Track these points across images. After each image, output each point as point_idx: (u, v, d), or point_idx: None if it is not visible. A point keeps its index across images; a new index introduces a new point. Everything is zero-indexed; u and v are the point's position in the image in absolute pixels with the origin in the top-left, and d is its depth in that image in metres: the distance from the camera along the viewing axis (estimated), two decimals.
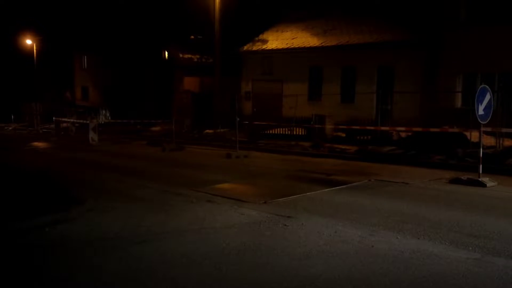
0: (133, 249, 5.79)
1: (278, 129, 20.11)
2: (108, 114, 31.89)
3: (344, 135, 18.28)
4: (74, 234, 6.40)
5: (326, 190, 9.64)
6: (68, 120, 26.50)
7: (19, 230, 6.45)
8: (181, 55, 31.78)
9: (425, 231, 6.46)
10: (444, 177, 10.88)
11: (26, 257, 5.63)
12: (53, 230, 6.53)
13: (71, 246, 5.91)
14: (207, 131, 22.14)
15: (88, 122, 21.66)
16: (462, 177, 10.34)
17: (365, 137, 17.02)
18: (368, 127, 16.74)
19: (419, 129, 15.16)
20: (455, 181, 10.38)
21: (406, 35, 19.75)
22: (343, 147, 16.42)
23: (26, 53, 38.57)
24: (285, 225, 6.82)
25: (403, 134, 16.19)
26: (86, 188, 9.83)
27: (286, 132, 19.73)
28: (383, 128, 15.77)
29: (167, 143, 18.42)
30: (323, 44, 22.79)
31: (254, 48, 25.58)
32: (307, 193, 9.21)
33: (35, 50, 37.40)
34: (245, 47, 25.88)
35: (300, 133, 19.38)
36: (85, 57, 38.56)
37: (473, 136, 13.45)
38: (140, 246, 5.89)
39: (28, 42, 37.72)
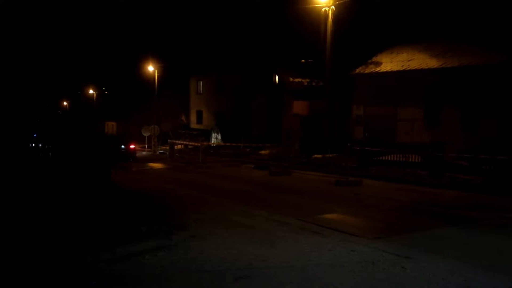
0: (232, 285, 5.31)
1: (391, 156, 18.78)
2: (219, 137, 32.77)
3: (466, 164, 16.49)
4: (174, 264, 6.09)
5: (450, 227, 8.47)
6: (182, 142, 27.53)
7: (121, 256, 6.27)
8: (291, 79, 31.66)
9: None
10: None
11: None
12: (153, 258, 6.30)
13: (169, 278, 5.59)
14: (316, 155, 21.50)
15: (199, 144, 22.18)
16: None
17: (493, 167, 15.15)
18: (500, 157, 14.82)
19: None
20: None
21: None
22: (466, 177, 14.77)
23: (147, 79, 41.20)
24: (403, 267, 5.92)
25: None
26: (189, 211, 9.66)
27: (400, 159, 18.34)
28: None
29: (274, 167, 18.10)
30: (443, 65, 21.09)
31: (367, 71, 24.55)
32: (428, 230, 8.14)
33: (156, 77, 39.76)
34: (357, 70, 24.95)
35: (415, 160, 17.88)
36: (201, 82, 40.23)
37: None
38: (239, 282, 5.39)
39: (150, 69, 40.29)
